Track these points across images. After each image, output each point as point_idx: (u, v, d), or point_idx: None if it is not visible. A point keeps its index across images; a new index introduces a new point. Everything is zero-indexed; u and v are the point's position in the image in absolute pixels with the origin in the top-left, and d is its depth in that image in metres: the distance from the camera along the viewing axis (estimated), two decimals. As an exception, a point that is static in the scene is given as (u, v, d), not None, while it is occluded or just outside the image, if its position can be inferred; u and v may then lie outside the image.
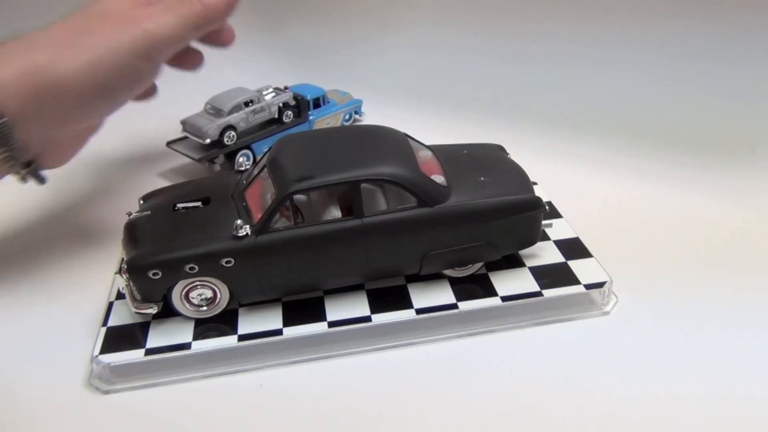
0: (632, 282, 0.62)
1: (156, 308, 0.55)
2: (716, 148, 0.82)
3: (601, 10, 0.93)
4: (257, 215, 0.55)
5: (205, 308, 0.56)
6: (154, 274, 0.53)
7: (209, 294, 0.56)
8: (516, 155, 0.67)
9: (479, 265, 0.60)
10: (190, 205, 0.59)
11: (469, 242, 0.58)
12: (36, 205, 0.74)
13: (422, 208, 0.56)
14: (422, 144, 0.64)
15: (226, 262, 0.54)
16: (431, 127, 0.92)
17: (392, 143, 0.60)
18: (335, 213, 0.56)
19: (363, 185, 0.55)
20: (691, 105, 0.87)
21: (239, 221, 0.54)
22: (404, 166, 0.56)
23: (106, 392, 0.52)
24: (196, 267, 0.53)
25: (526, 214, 0.58)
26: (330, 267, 0.56)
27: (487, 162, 0.63)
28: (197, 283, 0.55)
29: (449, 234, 0.57)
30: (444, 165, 0.61)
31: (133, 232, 0.57)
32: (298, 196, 0.59)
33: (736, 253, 0.67)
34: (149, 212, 0.58)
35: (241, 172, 0.63)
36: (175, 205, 0.59)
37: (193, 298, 0.55)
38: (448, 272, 0.60)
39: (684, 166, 0.81)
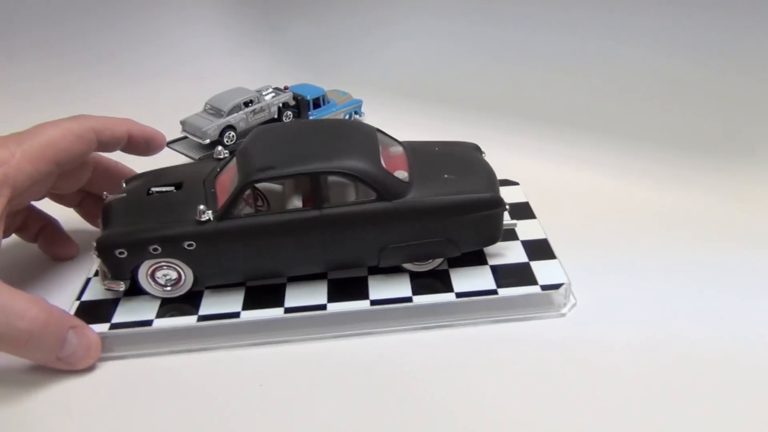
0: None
1: (124, 285, 0.58)
2: (707, 149, 0.80)
3: (591, 7, 0.92)
4: (222, 202, 0.58)
5: (169, 288, 0.59)
6: (120, 253, 0.56)
7: (174, 275, 0.58)
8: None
9: (440, 260, 0.61)
10: (164, 189, 0.62)
11: (427, 237, 0.59)
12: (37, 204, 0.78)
13: (380, 202, 0.57)
14: (395, 140, 0.65)
15: (188, 245, 0.56)
16: (431, 127, 0.93)
17: (359, 138, 0.61)
18: (297, 203, 0.58)
19: (331, 178, 0.57)
20: (682, 103, 0.85)
21: (202, 206, 0.56)
22: (364, 160, 0.57)
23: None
24: (159, 248, 0.56)
25: (485, 213, 0.59)
26: (288, 255, 0.58)
27: (456, 160, 0.64)
28: (163, 263, 0.58)
29: (407, 229, 0.58)
30: (411, 161, 0.62)
31: (107, 213, 0.60)
32: (270, 186, 0.61)
33: (735, 255, 0.65)
34: (124, 194, 0.62)
35: (220, 159, 0.66)
36: (149, 189, 0.62)
37: (158, 278, 0.58)
38: (408, 266, 0.61)
39: (675, 167, 0.79)
